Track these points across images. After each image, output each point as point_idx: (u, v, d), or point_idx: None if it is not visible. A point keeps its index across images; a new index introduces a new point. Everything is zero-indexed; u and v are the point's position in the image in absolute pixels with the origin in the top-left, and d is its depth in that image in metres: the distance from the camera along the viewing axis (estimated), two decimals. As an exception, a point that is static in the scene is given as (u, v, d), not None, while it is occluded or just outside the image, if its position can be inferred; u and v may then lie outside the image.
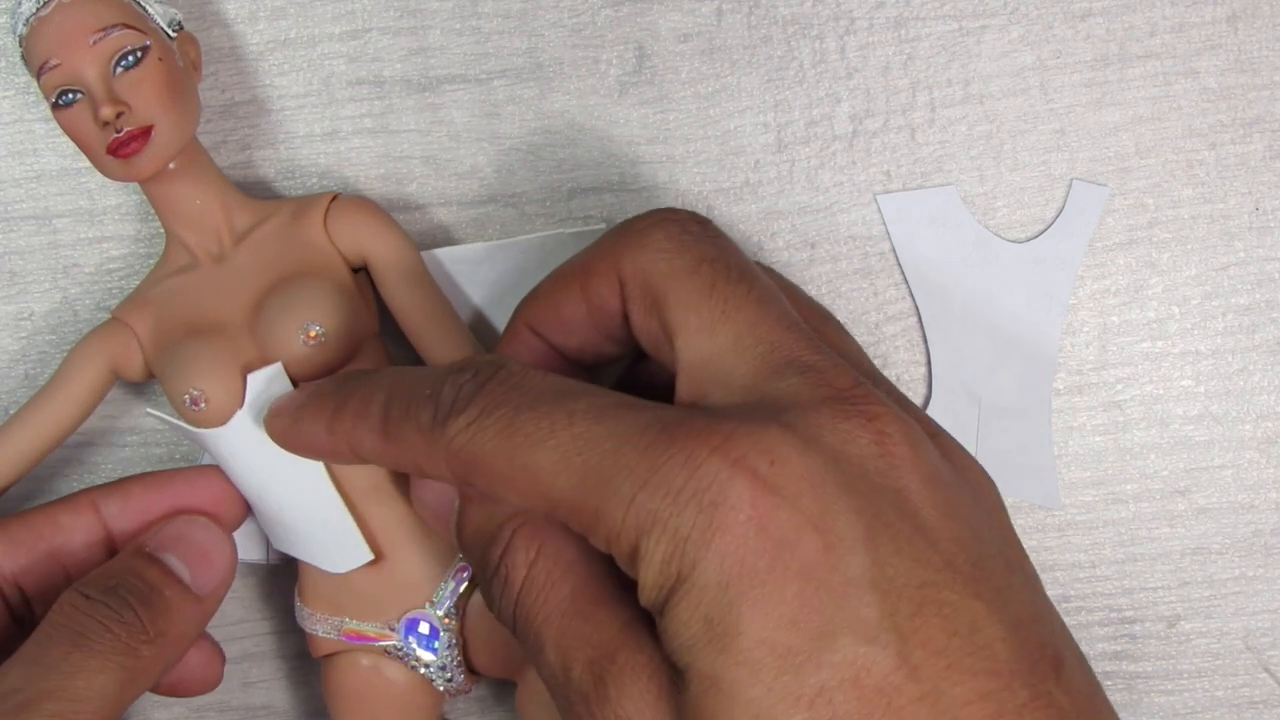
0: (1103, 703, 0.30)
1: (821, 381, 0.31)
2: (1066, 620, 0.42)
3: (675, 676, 0.29)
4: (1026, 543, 0.42)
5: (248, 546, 0.41)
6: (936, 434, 0.33)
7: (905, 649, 0.28)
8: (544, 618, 0.32)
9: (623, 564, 0.30)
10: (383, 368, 0.38)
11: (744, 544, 0.28)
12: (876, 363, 0.42)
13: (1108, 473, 0.42)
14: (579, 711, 0.30)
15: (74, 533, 0.37)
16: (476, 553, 0.34)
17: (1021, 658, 0.29)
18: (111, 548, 0.37)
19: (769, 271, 0.37)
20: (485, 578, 0.33)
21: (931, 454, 0.31)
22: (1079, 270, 0.42)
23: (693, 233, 0.34)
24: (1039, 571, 0.42)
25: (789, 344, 0.32)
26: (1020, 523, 0.42)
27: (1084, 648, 0.42)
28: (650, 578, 0.29)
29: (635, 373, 0.38)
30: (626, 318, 0.34)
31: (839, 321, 0.38)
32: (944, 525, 0.30)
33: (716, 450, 0.29)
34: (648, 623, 0.31)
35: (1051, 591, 0.42)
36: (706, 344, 0.32)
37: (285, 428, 0.36)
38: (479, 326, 0.41)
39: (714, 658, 0.28)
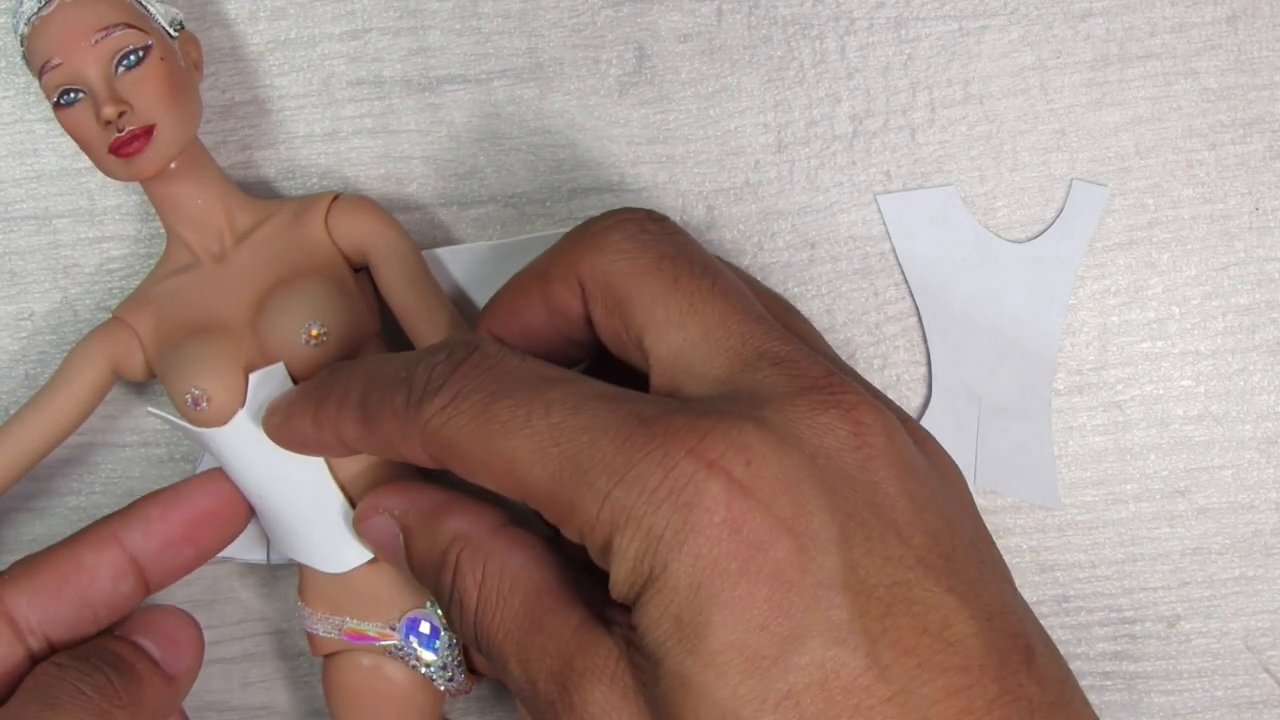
0: (1073, 688, 0.31)
1: (796, 373, 0.31)
2: (1066, 620, 0.42)
3: (645, 670, 0.29)
4: (1027, 542, 0.42)
5: (248, 547, 0.41)
6: (905, 420, 0.33)
7: (875, 650, 0.28)
8: (503, 635, 0.32)
9: (595, 556, 0.30)
10: (366, 357, 0.38)
11: (717, 546, 0.28)
12: (876, 363, 0.42)
13: (1108, 473, 0.42)
14: None
15: (100, 570, 0.37)
16: (430, 581, 0.34)
17: (992, 651, 0.29)
18: (140, 575, 0.37)
19: (729, 265, 0.37)
20: (443, 604, 0.34)
21: (906, 444, 0.31)
22: (1079, 270, 0.42)
23: (651, 231, 0.34)
24: (1039, 572, 0.42)
25: (759, 336, 0.32)
26: (1020, 523, 0.42)
27: (1084, 648, 0.42)
28: (623, 574, 0.29)
29: (598, 375, 0.38)
30: (588, 320, 0.34)
31: (800, 311, 0.38)
32: (918, 519, 0.30)
33: (693, 451, 0.29)
34: (602, 621, 0.31)
35: (1051, 591, 0.42)
36: (677, 338, 0.32)
37: (278, 424, 0.36)
38: (479, 326, 0.41)
39: (683, 658, 0.28)
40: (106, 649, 0.36)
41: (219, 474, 0.38)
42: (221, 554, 0.39)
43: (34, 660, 0.36)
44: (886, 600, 0.28)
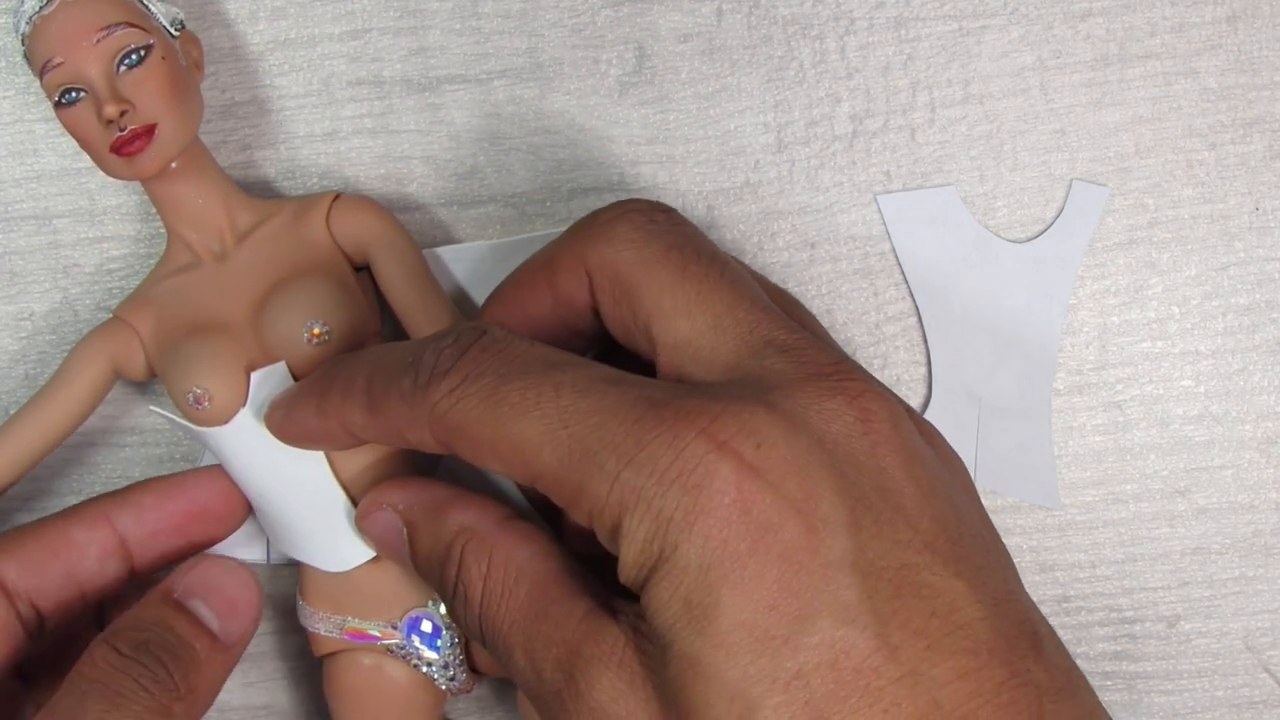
0: (1080, 678, 0.31)
1: (803, 360, 0.31)
2: (1066, 620, 0.42)
3: (653, 655, 0.29)
4: (1027, 542, 0.42)
5: (248, 546, 0.41)
6: (910, 411, 0.33)
7: (884, 630, 0.28)
8: (508, 626, 0.32)
9: (603, 539, 0.30)
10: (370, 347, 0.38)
11: (727, 527, 0.28)
12: (876, 363, 0.42)
13: (1108, 473, 0.43)
14: (556, 711, 0.31)
15: (89, 548, 0.37)
16: (434, 576, 0.34)
17: (1000, 636, 0.29)
18: (127, 558, 0.37)
19: (734, 260, 0.37)
20: (447, 598, 0.34)
21: (912, 432, 0.31)
22: (1079, 270, 0.42)
23: (658, 222, 0.34)
24: (1039, 572, 0.42)
25: (766, 325, 0.32)
26: (1020, 523, 0.42)
27: (1084, 647, 0.42)
28: (632, 555, 0.29)
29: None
30: (594, 311, 0.35)
31: (805, 306, 0.38)
32: (925, 505, 0.30)
33: (703, 432, 0.29)
34: (608, 610, 0.31)
35: (1051, 591, 0.42)
36: (685, 326, 0.32)
37: (281, 419, 0.36)
38: (480, 326, 0.41)
39: (692, 639, 0.28)
40: (167, 628, 0.35)
41: (218, 470, 0.38)
42: (220, 553, 0.39)
43: (21, 620, 0.36)
44: (895, 582, 0.29)
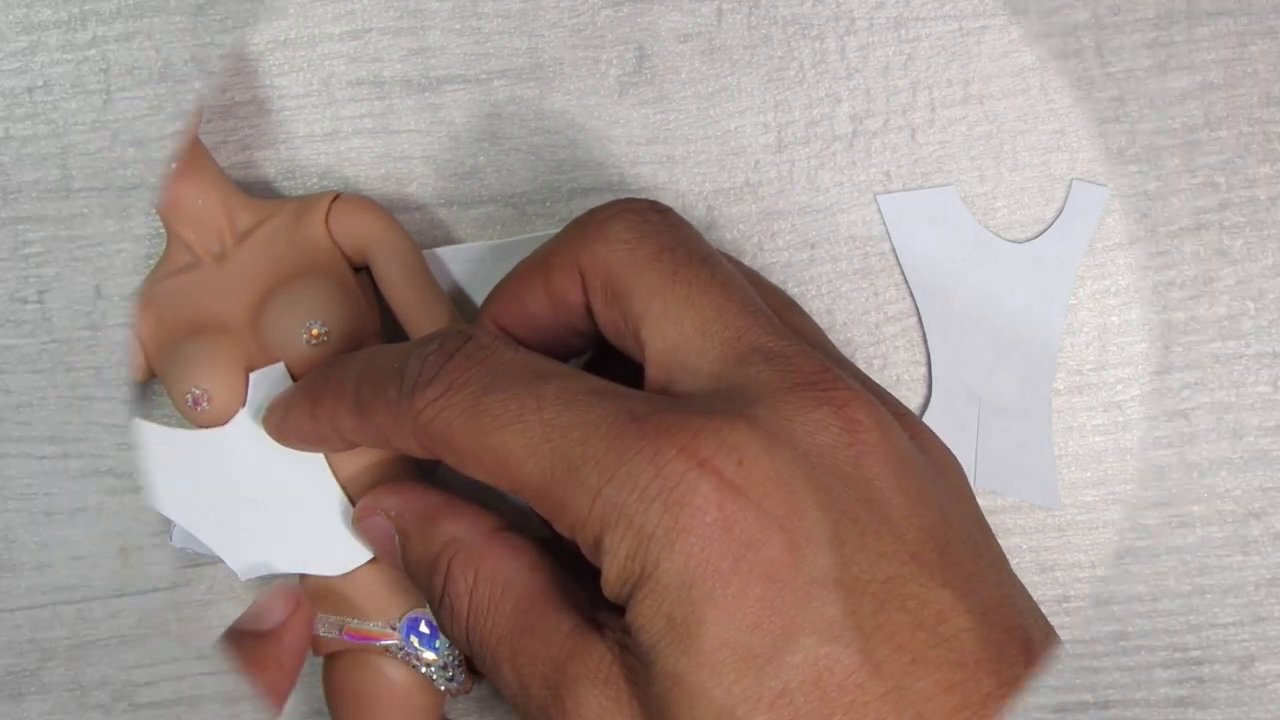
0: None
1: (789, 368, 0.31)
2: (1066, 620, 0.42)
3: (639, 672, 0.29)
4: (1027, 542, 0.42)
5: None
6: (903, 415, 0.33)
7: (868, 646, 0.28)
8: (495, 640, 0.32)
9: (587, 553, 0.30)
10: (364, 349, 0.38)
11: (708, 545, 0.28)
12: (876, 363, 0.42)
13: (1108, 473, 0.42)
14: None
15: None
16: (423, 585, 0.34)
17: (989, 645, 0.29)
18: None
19: (731, 259, 0.37)
20: (435, 607, 0.34)
21: (901, 439, 0.31)
22: (1079, 270, 0.42)
23: (652, 222, 0.33)
24: (1039, 572, 0.42)
25: (754, 330, 0.32)
26: (1020, 523, 0.42)
27: (1083, 648, 0.42)
28: (614, 572, 0.29)
29: (600, 367, 0.38)
30: (589, 311, 0.34)
31: (801, 307, 0.38)
32: (913, 514, 0.30)
33: (684, 449, 0.29)
34: (595, 625, 0.31)
35: (1051, 591, 0.42)
36: (673, 331, 0.32)
37: (278, 421, 0.36)
38: (479, 326, 0.41)
39: (676, 657, 0.28)
40: None
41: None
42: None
43: None
44: (880, 596, 0.28)
